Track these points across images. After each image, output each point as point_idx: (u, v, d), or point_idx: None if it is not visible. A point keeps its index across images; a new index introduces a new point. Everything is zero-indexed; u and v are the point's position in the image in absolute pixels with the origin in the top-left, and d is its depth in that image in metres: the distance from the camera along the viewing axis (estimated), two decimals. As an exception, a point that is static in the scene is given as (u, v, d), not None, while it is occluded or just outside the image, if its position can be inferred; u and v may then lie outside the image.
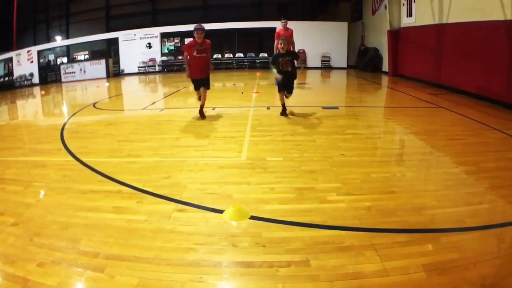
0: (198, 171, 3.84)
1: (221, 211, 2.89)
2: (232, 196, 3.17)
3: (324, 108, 7.15)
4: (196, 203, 3.08)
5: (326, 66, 17.74)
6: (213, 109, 7.48)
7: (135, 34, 18.55)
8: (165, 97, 10.08)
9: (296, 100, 8.84)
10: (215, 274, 2.15)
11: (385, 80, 12.13)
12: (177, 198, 3.21)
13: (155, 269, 2.23)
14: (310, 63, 18.04)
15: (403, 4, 11.47)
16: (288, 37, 9.04)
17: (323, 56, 17.81)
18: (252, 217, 2.78)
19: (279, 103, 6.56)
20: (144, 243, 2.52)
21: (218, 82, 13.78)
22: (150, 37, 18.70)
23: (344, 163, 3.91)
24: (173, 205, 3.09)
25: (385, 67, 13.40)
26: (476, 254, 2.27)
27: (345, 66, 17.61)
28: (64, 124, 6.73)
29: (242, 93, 9.90)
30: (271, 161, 4.04)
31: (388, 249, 2.31)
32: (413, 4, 10.76)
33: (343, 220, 2.68)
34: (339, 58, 17.60)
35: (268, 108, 7.43)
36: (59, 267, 2.28)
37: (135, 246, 2.48)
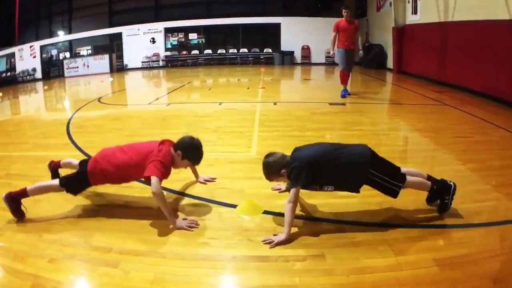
0: (208, 166, 3.85)
1: (233, 206, 2.93)
2: (244, 191, 3.20)
3: (331, 104, 7.18)
4: (208, 197, 3.11)
5: (330, 62, 17.72)
6: (220, 104, 7.51)
7: (138, 29, 18.58)
8: (170, 92, 10.10)
9: (303, 96, 8.90)
10: (232, 268, 2.17)
11: (389, 77, 12.14)
12: (189, 192, 3.24)
13: (171, 263, 2.23)
14: (314, 59, 18.08)
15: (408, 1, 11.44)
16: (353, 33, 7.73)
17: (328, 52, 17.78)
18: (265, 212, 2.82)
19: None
20: (158, 237, 2.52)
21: (222, 78, 13.82)
22: (154, 32, 18.73)
23: (353, 160, 3.94)
24: (186, 199, 3.13)
25: (390, 64, 13.40)
26: (485, 249, 2.32)
27: (349, 62, 17.57)
28: (70, 119, 6.75)
29: (248, 88, 9.93)
30: (280, 157, 4.07)
31: (401, 244, 2.35)
32: (418, 2, 10.73)
33: (355, 216, 2.72)
34: (343, 54, 17.55)
35: (275, 103, 7.47)
36: (71, 263, 2.25)
37: (149, 241, 2.48)
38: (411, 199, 2.95)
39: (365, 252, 2.26)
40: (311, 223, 2.61)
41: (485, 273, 2.10)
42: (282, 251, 2.30)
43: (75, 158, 4.19)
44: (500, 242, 2.43)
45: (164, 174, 2.76)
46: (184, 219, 2.71)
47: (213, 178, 3.49)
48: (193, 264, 2.23)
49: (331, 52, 8.01)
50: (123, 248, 2.39)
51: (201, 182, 3.42)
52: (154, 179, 2.63)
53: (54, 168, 3.48)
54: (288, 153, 2.69)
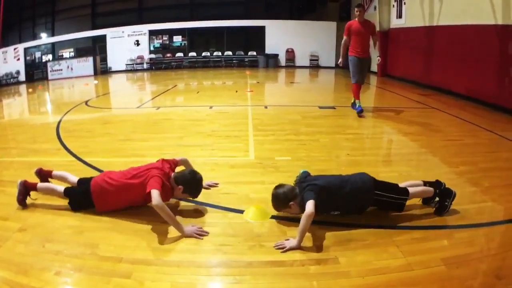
0: (209, 171, 3.86)
1: (241, 211, 2.93)
2: (249, 196, 3.22)
3: (321, 107, 7.29)
4: (214, 203, 3.11)
5: (314, 66, 17.96)
6: (211, 107, 7.51)
7: (123, 31, 18.32)
8: (158, 96, 10.01)
9: (292, 99, 8.98)
10: (249, 275, 2.16)
11: (373, 80, 12.38)
12: (193, 199, 3.22)
13: (186, 272, 2.20)
14: (298, 62, 18.25)
15: (393, 6, 11.72)
16: (367, 38, 6.39)
17: (312, 55, 18.03)
18: (273, 217, 2.84)
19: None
20: (168, 245, 2.48)
21: (207, 81, 13.78)
22: (138, 35, 18.51)
23: (352, 163, 4.03)
24: (191, 205, 3.10)
25: (374, 67, 13.64)
26: (488, 248, 2.46)
27: (333, 65, 17.83)
28: (59, 123, 6.58)
29: (237, 91, 9.95)
30: (280, 160, 4.12)
31: (408, 245, 2.43)
32: (403, 6, 11.02)
33: (361, 219, 2.78)
34: (328, 57, 17.84)
35: (266, 107, 7.53)
36: (80, 275, 2.17)
37: (159, 249, 2.44)
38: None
39: (376, 254, 2.33)
40: (320, 227, 2.65)
41: (490, 270, 2.23)
42: (296, 255, 2.33)
43: (71, 165, 4.18)
44: (501, 241, 2.57)
45: (162, 189, 2.75)
46: (192, 225, 2.69)
47: (216, 183, 3.49)
48: (209, 271, 2.23)
49: (340, 60, 6.56)
50: (133, 257, 2.34)
51: (205, 188, 3.41)
52: (153, 192, 2.63)
53: (44, 177, 3.41)
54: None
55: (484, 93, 7.17)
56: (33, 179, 3.42)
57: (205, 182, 3.43)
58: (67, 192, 3.02)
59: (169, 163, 3.04)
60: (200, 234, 2.61)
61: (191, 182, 2.90)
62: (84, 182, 3.06)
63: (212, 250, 2.43)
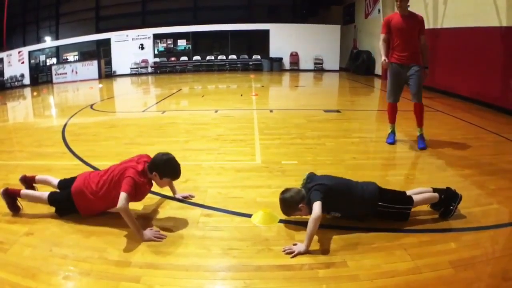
0: (215, 175, 3.90)
1: (248, 215, 2.94)
2: (256, 200, 3.23)
3: (326, 111, 7.31)
4: (221, 207, 3.12)
5: (318, 69, 18.00)
6: (216, 111, 7.55)
7: (127, 35, 18.46)
8: (163, 99, 10.07)
9: (297, 103, 9.01)
10: (259, 279, 2.17)
11: (378, 83, 12.39)
12: (201, 202, 3.23)
13: (195, 276, 2.21)
14: (302, 66, 18.31)
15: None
16: (413, 36, 4.59)
17: (316, 59, 18.07)
18: (281, 221, 2.85)
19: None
20: (177, 250, 2.49)
21: (212, 84, 13.85)
22: (143, 38, 18.64)
23: (358, 167, 4.03)
24: (199, 210, 3.11)
25: (378, 70, 13.67)
26: (495, 250, 2.47)
27: (338, 68, 17.89)
28: (64, 126, 6.65)
29: (241, 95, 10.01)
30: (286, 164, 4.13)
31: (416, 248, 2.44)
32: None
33: (368, 222, 2.79)
34: (332, 60, 17.90)
35: (271, 111, 7.56)
36: (89, 279, 2.17)
37: (168, 253, 2.45)
38: (418, 206, 3.05)
39: (384, 257, 2.34)
40: (328, 231, 2.66)
41: (496, 272, 2.24)
42: (304, 259, 2.34)
43: (76, 169, 4.19)
44: (507, 243, 2.58)
45: (134, 191, 2.73)
46: (151, 229, 2.71)
47: (192, 196, 3.37)
48: (218, 275, 2.24)
49: (383, 59, 4.65)
50: (142, 261, 2.35)
51: (179, 200, 3.31)
52: (122, 195, 2.63)
53: (29, 183, 3.37)
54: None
55: (489, 95, 7.17)
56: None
57: (179, 194, 3.35)
58: (51, 200, 2.98)
59: (147, 156, 2.97)
60: (159, 237, 2.63)
61: (162, 163, 2.79)
62: (64, 186, 3.03)
63: (220, 254, 2.44)
